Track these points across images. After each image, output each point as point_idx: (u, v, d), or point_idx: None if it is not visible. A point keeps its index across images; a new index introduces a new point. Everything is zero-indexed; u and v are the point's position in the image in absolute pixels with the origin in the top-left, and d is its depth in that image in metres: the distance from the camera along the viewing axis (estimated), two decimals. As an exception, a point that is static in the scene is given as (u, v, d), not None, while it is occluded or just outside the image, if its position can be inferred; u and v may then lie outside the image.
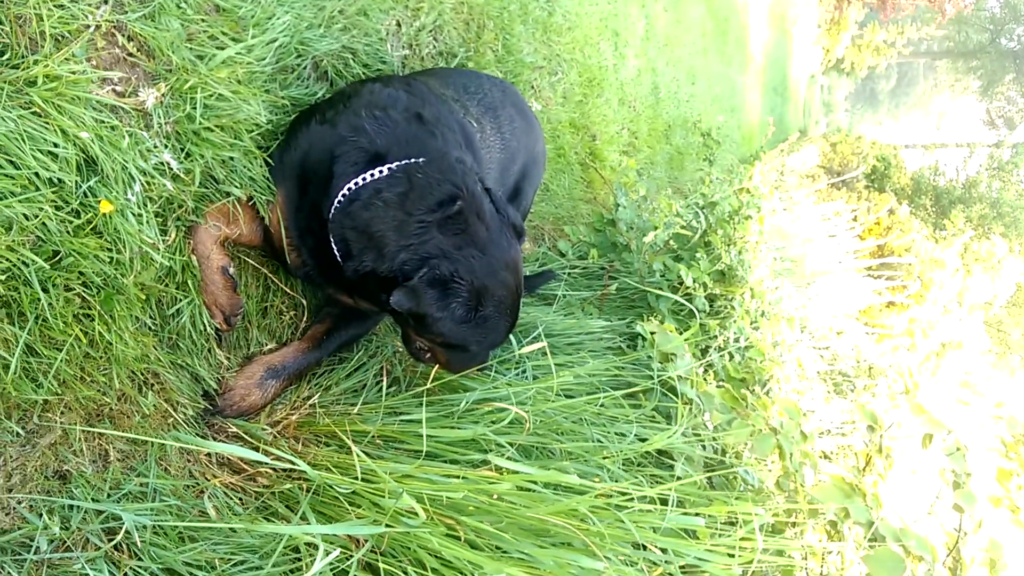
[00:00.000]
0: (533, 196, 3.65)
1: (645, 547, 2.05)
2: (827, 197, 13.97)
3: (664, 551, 2.07)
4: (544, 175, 3.99)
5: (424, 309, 2.19)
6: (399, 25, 3.25)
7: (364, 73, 2.92)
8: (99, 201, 1.81)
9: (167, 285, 2.12)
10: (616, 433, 2.77)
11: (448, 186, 2.24)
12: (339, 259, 2.28)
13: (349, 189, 2.23)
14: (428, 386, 2.44)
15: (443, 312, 2.21)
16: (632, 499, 2.09)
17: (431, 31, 3.49)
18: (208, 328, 2.29)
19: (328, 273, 2.42)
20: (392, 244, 2.18)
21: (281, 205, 2.39)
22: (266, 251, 2.53)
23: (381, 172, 2.23)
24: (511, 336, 2.74)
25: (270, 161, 2.40)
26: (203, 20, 2.17)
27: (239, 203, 2.31)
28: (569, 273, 4.44)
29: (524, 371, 3.04)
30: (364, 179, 2.22)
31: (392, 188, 2.20)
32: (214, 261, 2.23)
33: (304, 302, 2.71)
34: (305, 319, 2.72)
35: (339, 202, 2.23)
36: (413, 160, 2.26)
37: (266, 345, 2.57)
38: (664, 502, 2.13)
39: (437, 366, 2.57)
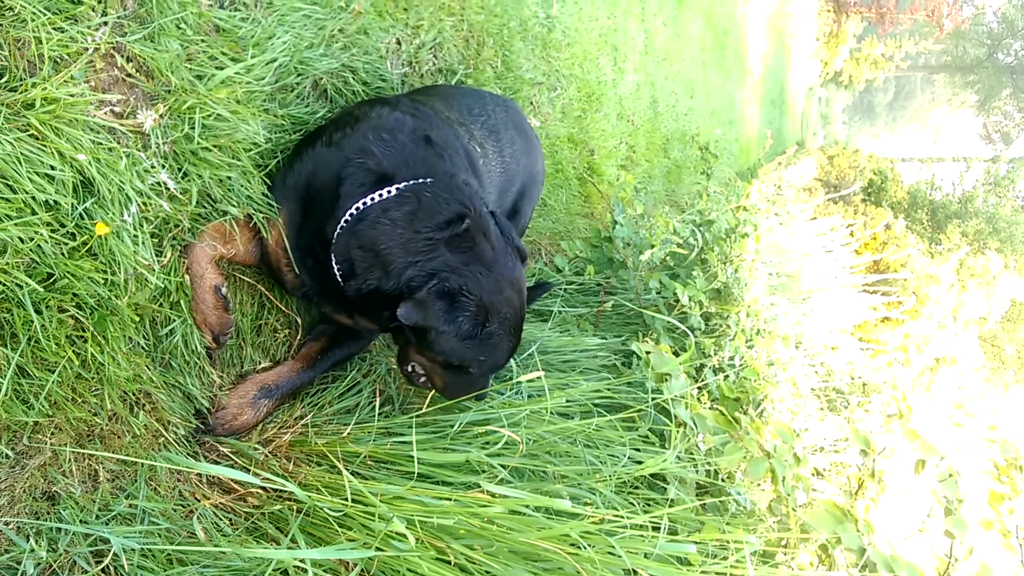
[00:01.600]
0: (531, 214, 3.66)
1: (636, 573, 2.05)
2: (824, 212, 14.00)
3: (655, 578, 2.06)
4: (542, 191, 4.00)
5: (430, 322, 2.20)
6: (399, 43, 3.26)
7: (364, 91, 2.93)
8: (95, 223, 1.81)
9: (160, 305, 2.11)
10: (610, 455, 2.76)
11: (456, 205, 2.26)
12: (339, 279, 2.29)
13: (357, 209, 2.24)
14: (424, 409, 2.43)
15: (449, 325, 2.22)
16: (624, 525, 2.09)
17: (431, 48, 3.50)
18: (200, 347, 2.29)
19: (327, 293, 2.42)
20: (399, 261, 2.19)
21: (283, 225, 2.39)
22: (262, 270, 2.53)
23: (389, 192, 2.25)
24: (512, 360, 2.74)
25: (269, 181, 2.40)
26: (203, 40, 2.17)
27: (237, 222, 2.31)
28: (565, 289, 4.44)
29: (518, 391, 3.03)
30: (372, 199, 2.24)
31: (400, 207, 2.22)
32: (208, 280, 2.23)
33: (299, 320, 2.71)
34: (299, 337, 2.72)
35: (345, 222, 2.24)
36: (421, 180, 2.28)
37: (260, 363, 2.57)
38: (656, 527, 2.13)
39: (432, 391, 2.56)
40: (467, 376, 2.44)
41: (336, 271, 2.28)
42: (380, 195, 2.24)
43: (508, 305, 2.36)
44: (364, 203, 2.23)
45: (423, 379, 2.54)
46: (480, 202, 2.38)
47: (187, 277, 2.18)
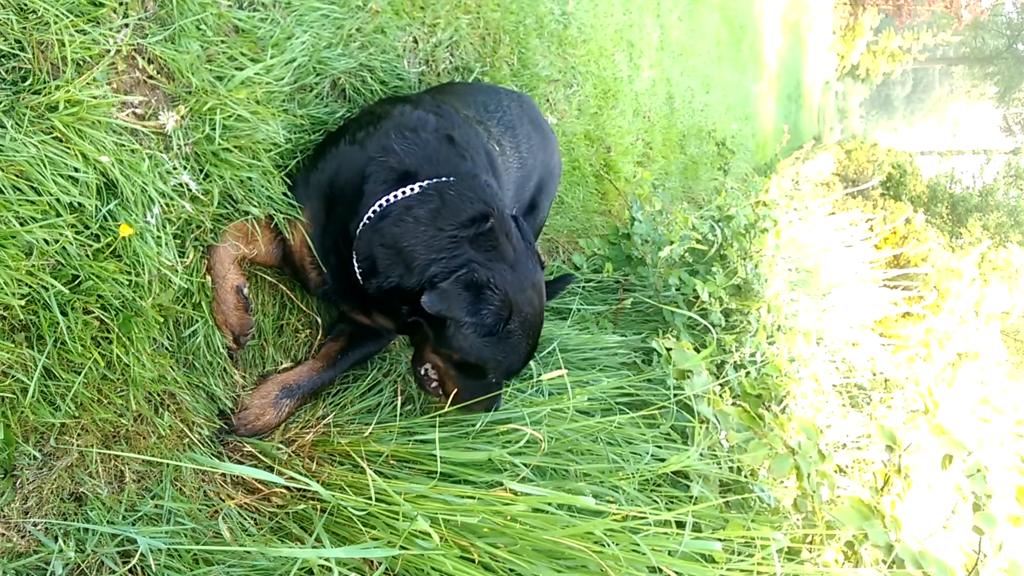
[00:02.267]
0: (548, 209, 3.66)
1: (661, 571, 2.03)
2: (843, 206, 13.88)
3: (680, 575, 2.05)
4: (559, 188, 3.99)
5: (454, 312, 2.18)
6: (416, 42, 3.26)
7: (382, 90, 2.93)
8: (119, 224, 1.82)
9: (184, 306, 2.12)
10: (632, 453, 2.75)
11: (480, 204, 2.26)
12: (359, 277, 2.29)
13: (380, 206, 2.24)
14: (446, 409, 2.43)
15: (473, 318, 2.21)
16: (648, 522, 2.08)
17: (448, 47, 3.50)
18: (222, 348, 2.29)
19: (347, 292, 2.42)
20: (421, 258, 2.19)
21: (306, 224, 2.40)
22: (283, 269, 2.53)
23: (412, 190, 2.25)
24: (529, 363, 2.73)
25: (290, 181, 2.41)
26: (222, 41, 2.18)
27: (258, 222, 2.31)
28: (584, 287, 4.43)
29: (539, 390, 3.02)
30: (395, 196, 2.24)
31: (423, 205, 2.22)
32: (229, 280, 2.24)
33: (319, 320, 2.72)
34: (320, 337, 2.72)
35: (368, 219, 2.25)
36: (444, 179, 2.28)
37: (281, 363, 2.57)
38: (680, 524, 2.11)
39: (443, 398, 2.51)
40: (481, 381, 2.42)
41: (357, 268, 2.28)
42: (403, 192, 2.24)
43: (530, 306, 2.35)
44: (387, 200, 2.23)
45: (435, 384, 2.51)
46: (503, 203, 2.38)
47: (209, 277, 2.19)
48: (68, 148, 1.73)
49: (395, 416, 2.59)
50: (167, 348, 2.08)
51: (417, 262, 2.19)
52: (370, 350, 2.73)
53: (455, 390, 2.44)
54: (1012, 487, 3.48)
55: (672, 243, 4.23)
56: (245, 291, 2.27)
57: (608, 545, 1.97)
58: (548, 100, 4.76)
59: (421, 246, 2.19)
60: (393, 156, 2.30)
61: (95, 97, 1.80)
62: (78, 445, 1.87)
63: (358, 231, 2.25)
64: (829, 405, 5.02)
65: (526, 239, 2.44)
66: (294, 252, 2.43)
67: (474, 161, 2.41)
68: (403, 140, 2.33)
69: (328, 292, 2.47)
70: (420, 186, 2.25)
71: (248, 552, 2.00)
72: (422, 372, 2.52)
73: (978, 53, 51.88)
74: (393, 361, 2.94)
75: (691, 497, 2.72)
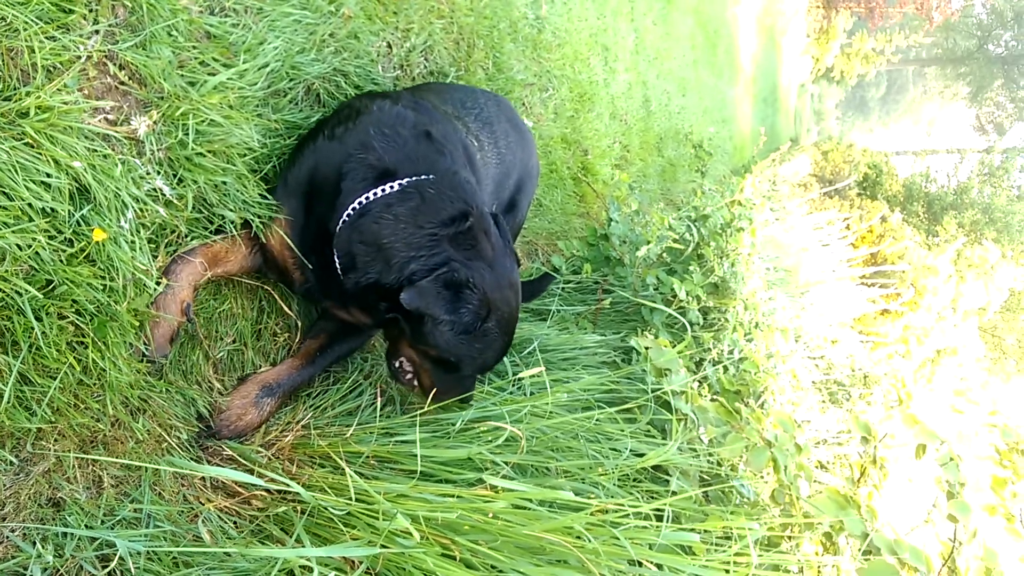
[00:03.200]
0: (527, 209, 3.68)
1: (641, 564, 2.06)
2: (820, 206, 14.02)
3: (660, 567, 2.07)
4: (537, 190, 4.01)
5: (432, 309, 2.21)
6: (390, 47, 3.28)
7: (357, 94, 2.94)
8: (92, 229, 1.82)
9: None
10: (612, 449, 2.77)
11: (460, 203, 2.29)
12: (340, 273, 2.30)
13: (359, 203, 2.26)
14: (426, 408, 2.44)
15: (451, 316, 2.24)
16: (627, 515, 2.10)
17: (422, 51, 3.52)
18: (205, 354, 2.30)
19: (328, 287, 2.43)
20: (401, 255, 2.21)
21: (286, 223, 2.40)
22: (266, 273, 2.54)
23: (392, 187, 2.27)
24: (504, 361, 2.75)
25: (265, 185, 2.41)
26: (194, 47, 2.19)
27: (233, 241, 2.32)
28: (563, 288, 4.45)
29: (520, 387, 3.04)
30: (374, 194, 2.26)
31: (403, 203, 2.24)
32: (181, 296, 2.18)
33: (299, 323, 2.72)
34: (299, 339, 2.73)
35: (347, 216, 2.26)
36: (423, 176, 2.30)
37: (261, 367, 2.58)
38: (659, 518, 2.14)
39: (417, 389, 2.55)
40: (456, 375, 2.45)
41: (337, 264, 2.29)
42: (383, 190, 2.26)
43: (507, 304, 2.39)
44: (366, 198, 2.25)
45: (409, 376, 2.54)
46: (482, 200, 2.41)
47: (163, 281, 2.13)
48: (40, 154, 1.73)
49: (375, 417, 2.60)
50: (143, 353, 2.08)
51: (396, 259, 2.21)
52: (350, 347, 2.74)
53: (430, 383, 2.47)
54: (987, 477, 3.53)
55: (649, 243, 4.27)
56: (191, 313, 2.22)
57: (588, 539, 1.98)
58: (524, 104, 4.80)
59: (400, 243, 2.21)
60: (372, 153, 2.31)
61: (66, 103, 1.80)
62: (55, 450, 1.87)
63: (338, 228, 2.27)
64: (807, 401, 5.07)
65: (504, 237, 2.47)
66: (276, 254, 2.43)
67: (452, 157, 2.43)
68: (382, 137, 2.34)
69: (311, 290, 2.48)
70: (400, 184, 2.27)
71: (228, 554, 2.00)
72: (396, 365, 2.55)
73: (950, 54, 52.59)
74: (374, 364, 2.95)
75: (670, 491, 2.75)
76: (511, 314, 2.42)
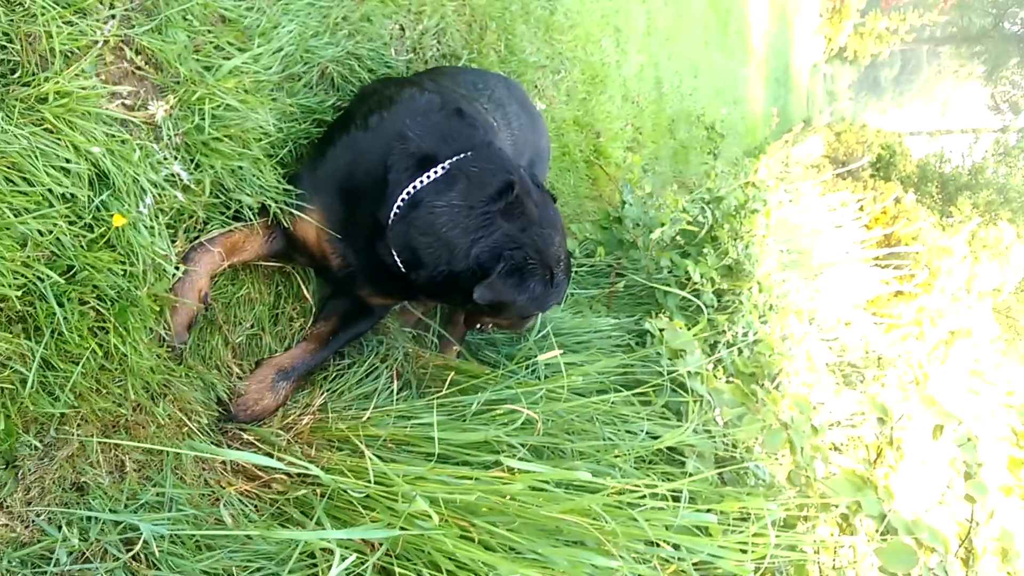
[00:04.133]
0: None
1: (658, 544, 2.07)
2: (833, 187, 13.92)
3: (677, 548, 2.08)
4: (549, 174, 4.00)
5: (506, 298, 2.32)
6: (403, 29, 3.26)
7: (371, 78, 2.93)
8: (112, 215, 1.83)
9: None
10: (627, 431, 2.78)
11: (503, 174, 2.33)
12: (402, 268, 2.33)
13: (407, 194, 2.27)
14: (443, 392, 2.46)
15: (524, 294, 2.34)
16: (644, 496, 2.11)
17: (434, 34, 3.50)
18: (224, 339, 2.31)
19: (379, 280, 2.49)
20: (462, 242, 2.25)
21: (320, 216, 2.40)
22: (282, 257, 2.54)
23: (436, 172, 2.29)
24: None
25: (281, 169, 2.42)
26: (209, 31, 2.19)
27: (251, 229, 2.33)
28: (576, 271, 4.45)
29: (534, 370, 3.05)
30: (421, 182, 2.28)
31: (452, 187, 2.27)
32: (199, 284, 2.20)
33: (314, 308, 2.73)
34: (311, 323, 2.74)
35: (398, 208, 2.28)
36: (462, 155, 2.33)
37: (278, 352, 2.59)
38: (676, 499, 2.14)
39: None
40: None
41: (398, 260, 2.31)
42: (428, 176, 2.27)
43: (562, 251, 2.51)
44: (414, 187, 2.27)
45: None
46: (516, 165, 2.46)
47: (182, 267, 2.14)
48: (59, 139, 1.74)
49: (392, 400, 2.61)
50: (164, 337, 2.10)
51: (459, 247, 2.25)
52: (361, 328, 2.74)
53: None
54: (1004, 457, 3.52)
55: (663, 225, 4.26)
56: (208, 300, 2.24)
57: (605, 520, 1.99)
58: (536, 86, 4.77)
59: (459, 229, 2.25)
60: (411, 143, 2.33)
61: (84, 88, 1.80)
62: (78, 435, 1.88)
63: (389, 222, 2.28)
64: (822, 383, 5.06)
65: (539, 186, 2.56)
66: (311, 244, 2.44)
67: (485, 129, 2.48)
68: (417, 125, 2.36)
69: (351, 274, 2.50)
70: (443, 167, 2.29)
71: (250, 537, 2.03)
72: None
73: (965, 33, 51.93)
74: (390, 346, 2.96)
75: (686, 473, 2.76)
76: (566, 256, 2.56)
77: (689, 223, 4.54)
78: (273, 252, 2.46)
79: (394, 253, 2.31)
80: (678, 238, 4.72)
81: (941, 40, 56.29)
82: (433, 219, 2.24)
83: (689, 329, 3.45)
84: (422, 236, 2.25)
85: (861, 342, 7.05)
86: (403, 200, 2.27)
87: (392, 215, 2.28)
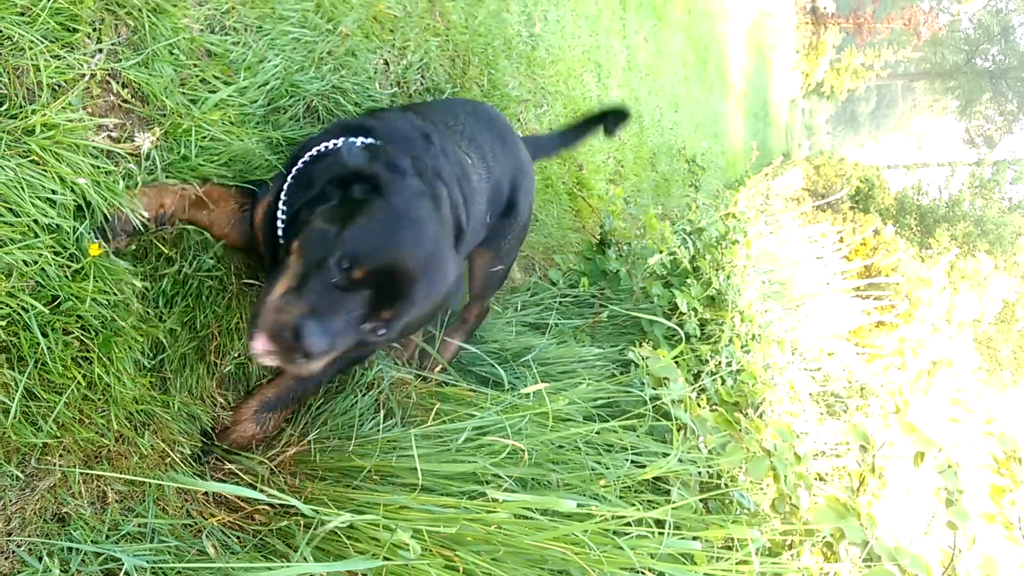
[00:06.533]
0: (529, 210, 3.55)
1: (643, 573, 2.07)
2: (813, 219, 14.10)
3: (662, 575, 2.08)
4: (533, 206, 4.02)
5: None
6: (387, 64, 3.31)
7: (355, 111, 2.97)
8: (90, 244, 1.84)
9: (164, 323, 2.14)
10: (612, 461, 2.78)
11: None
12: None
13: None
14: (428, 424, 2.46)
15: None
16: (629, 524, 2.11)
17: (418, 69, 3.56)
18: (211, 366, 2.31)
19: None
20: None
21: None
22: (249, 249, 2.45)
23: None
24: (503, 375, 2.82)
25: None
26: (195, 65, 2.22)
27: (230, 189, 2.26)
28: (560, 302, 4.47)
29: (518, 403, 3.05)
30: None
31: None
32: (164, 196, 2.08)
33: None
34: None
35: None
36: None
37: (262, 382, 2.58)
38: (661, 527, 2.15)
39: None
40: None
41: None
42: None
43: None
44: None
45: None
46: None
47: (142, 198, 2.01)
48: (45, 171, 1.76)
49: (377, 430, 2.61)
50: (147, 367, 2.09)
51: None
52: (352, 358, 2.71)
53: None
54: (985, 485, 3.55)
55: (661, 252, 4.29)
56: (164, 223, 2.09)
57: (590, 548, 1.99)
58: (519, 119, 4.84)
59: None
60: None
61: (71, 121, 1.83)
62: (60, 465, 1.87)
63: None
64: (805, 413, 5.09)
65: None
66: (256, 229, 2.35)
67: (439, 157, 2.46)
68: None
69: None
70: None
71: (232, 569, 2.01)
72: None
73: (938, 68, 53.08)
74: (375, 377, 2.96)
75: (671, 502, 2.76)
76: None
77: (670, 254, 4.59)
78: (238, 231, 2.34)
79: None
80: (659, 269, 4.76)
81: (915, 75, 57.50)
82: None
83: (674, 360, 3.46)
84: None
85: (844, 372, 7.10)
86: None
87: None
